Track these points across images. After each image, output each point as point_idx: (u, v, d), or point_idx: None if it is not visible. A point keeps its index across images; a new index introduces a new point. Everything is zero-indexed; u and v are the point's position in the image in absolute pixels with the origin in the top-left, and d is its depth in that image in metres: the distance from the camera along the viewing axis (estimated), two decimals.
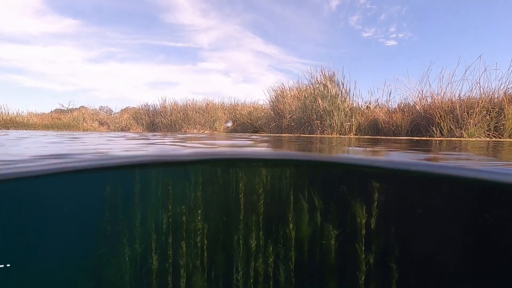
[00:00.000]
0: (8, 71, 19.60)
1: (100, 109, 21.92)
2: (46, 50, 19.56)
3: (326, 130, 7.36)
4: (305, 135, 7.51)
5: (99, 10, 17.67)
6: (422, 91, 6.26)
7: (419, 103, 6.29)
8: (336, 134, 7.28)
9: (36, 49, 19.20)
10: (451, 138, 5.08)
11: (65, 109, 22.19)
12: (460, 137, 5.17)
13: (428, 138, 5.18)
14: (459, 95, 5.72)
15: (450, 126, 5.38)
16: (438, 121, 5.51)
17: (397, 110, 6.65)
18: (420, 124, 6.02)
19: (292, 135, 7.69)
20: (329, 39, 16.50)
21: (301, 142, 3.40)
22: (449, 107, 5.54)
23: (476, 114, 5.18)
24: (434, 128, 5.56)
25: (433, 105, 5.87)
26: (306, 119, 8.12)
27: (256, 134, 9.60)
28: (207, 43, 18.56)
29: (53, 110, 22.09)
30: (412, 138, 5.23)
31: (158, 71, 20.80)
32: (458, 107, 5.42)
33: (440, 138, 5.13)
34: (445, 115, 5.44)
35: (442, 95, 5.81)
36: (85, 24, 18.00)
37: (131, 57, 20.13)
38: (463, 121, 5.29)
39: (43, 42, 18.94)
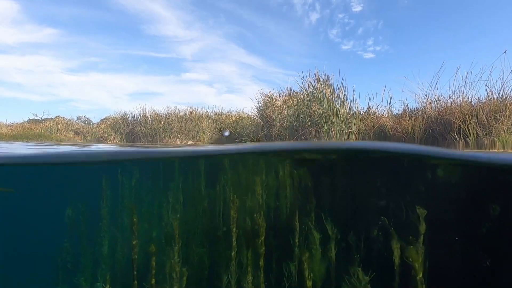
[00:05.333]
0: None
1: (78, 119, 20.00)
2: (23, 59, 17.74)
3: (323, 138, 6.20)
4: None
5: (80, 20, 16.28)
6: (434, 94, 5.29)
7: (429, 107, 5.29)
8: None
9: (12, 59, 17.35)
10: (479, 150, 4.06)
11: (40, 119, 20.12)
12: (491, 146, 4.15)
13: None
14: (479, 97, 4.78)
15: (476, 132, 4.37)
16: (462, 126, 4.49)
17: (406, 115, 5.63)
18: (436, 131, 4.99)
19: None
20: (310, 51, 16.43)
21: None
22: (470, 111, 4.55)
23: (506, 118, 4.20)
24: (455, 135, 4.53)
25: (448, 109, 4.88)
26: (299, 126, 6.96)
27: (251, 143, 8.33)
28: (191, 54, 17.55)
29: (26, 120, 19.99)
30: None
31: (141, 82, 19.39)
32: (481, 111, 4.43)
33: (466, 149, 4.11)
34: (469, 120, 4.42)
35: (462, 97, 4.84)
36: (65, 33, 16.53)
37: (113, 68, 18.63)
38: (491, 126, 4.30)
39: (20, 52, 17.14)
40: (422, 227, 2.54)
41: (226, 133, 12.04)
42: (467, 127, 4.43)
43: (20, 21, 16.18)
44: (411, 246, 2.39)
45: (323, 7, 14.99)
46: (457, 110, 4.67)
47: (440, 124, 4.89)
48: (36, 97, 20.27)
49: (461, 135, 4.50)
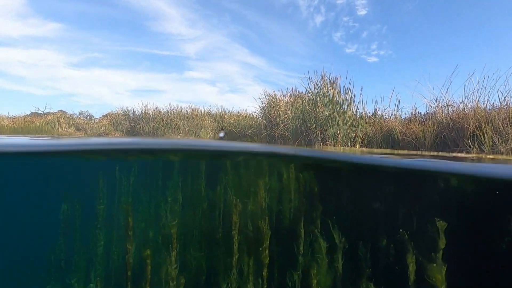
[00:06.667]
0: None
1: (80, 114, 19.87)
2: (26, 53, 17.65)
3: (328, 141, 5.99)
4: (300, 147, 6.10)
5: (84, 15, 16.19)
6: (446, 98, 5.07)
7: (440, 112, 5.06)
8: (340, 146, 5.93)
9: (16, 52, 17.27)
10: (497, 156, 3.84)
11: (41, 112, 19.98)
12: (507, 154, 3.93)
13: (466, 155, 3.94)
14: (494, 103, 4.55)
15: (492, 140, 4.15)
16: (477, 133, 4.27)
17: (415, 119, 5.41)
18: (448, 137, 4.77)
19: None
20: (313, 53, 16.29)
21: None
22: (485, 117, 4.33)
23: None
24: (469, 142, 4.31)
25: (461, 114, 4.66)
26: (303, 128, 6.75)
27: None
28: (194, 53, 17.40)
29: (28, 113, 19.86)
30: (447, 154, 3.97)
31: (143, 79, 19.25)
32: (496, 117, 4.21)
33: (479, 155, 3.90)
34: (484, 126, 4.20)
35: (476, 102, 4.61)
36: (69, 28, 16.44)
37: (115, 64, 18.51)
38: (507, 134, 4.08)
39: (23, 45, 17.04)
40: (442, 242, 2.31)
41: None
42: (482, 134, 4.21)
43: (25, 14, 16.09)
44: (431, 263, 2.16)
45: (328, 10, 14.84)
46: (471, 116, 4.44)
47: (452, 130, 4.67)
48: (39, 91, 20.18)
49: (476, 142, 4.28)
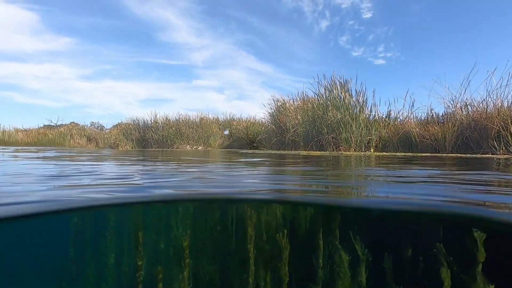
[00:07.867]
0: (1, 87, 18.22)
1: (91, 125, 20.17)
2: (40, 67, 18.30)
3: (341, 146, 5.80)
4: (316, 153, 5.93)
5: (95, 29, 16.70)
6: (465, 98, 4.83)
7: (460, 112, 4.82)
8: (353, 150, 5.72)
9: (30, 67, 17.94)
10: None
11: (54, 124, 20.38)
12: None
13: (491, 156, 3.70)
14: None
15: None
16: (503, 133, 4.01)
17: (433, 120, 5.18)
18: (470, 138, 4.51)
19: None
20: (320, 58, 16.19)
21: None
22: (510, 116, 4.08)
23: None
24: (494, 143, 4.06)
25: (484, 113, 4.41)
26: (314, 132, 6.58)
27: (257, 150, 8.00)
28: (201, 61, 17.60)
29: (41, 126, 20.31)
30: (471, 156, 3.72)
31: (152, 88, 19.54)
32: None
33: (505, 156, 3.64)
34: (511, 126, 3.95)
35: (499, 101, 4.36)
36: (80, 42, 16.97)
37: (125, 75, 18.90)
38: None
39: (37, 60, 17.69)
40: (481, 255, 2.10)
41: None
42: (509, 134, 3.96)
43: (38, 30, 16.69)
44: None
45: (333, 14, 14.78)
46: (495, 115, 4.20)
47: (475, 131, 4.42)
48: (52, 103, 20.75)
49: (502, 143, 4.02)
